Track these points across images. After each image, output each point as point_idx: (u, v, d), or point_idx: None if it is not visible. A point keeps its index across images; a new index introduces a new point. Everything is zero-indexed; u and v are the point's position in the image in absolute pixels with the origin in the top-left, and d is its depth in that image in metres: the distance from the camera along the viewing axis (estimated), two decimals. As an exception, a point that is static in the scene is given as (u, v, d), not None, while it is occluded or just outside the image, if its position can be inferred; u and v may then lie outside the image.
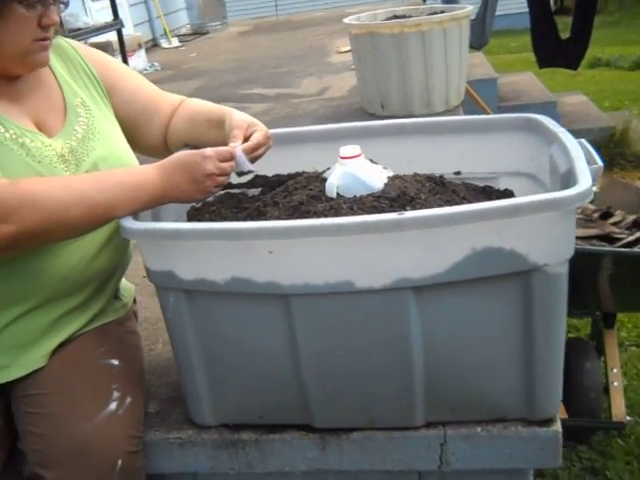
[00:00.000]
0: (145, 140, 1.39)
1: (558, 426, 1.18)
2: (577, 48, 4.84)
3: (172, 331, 1.18)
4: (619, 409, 2.22)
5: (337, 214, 1.14)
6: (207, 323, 1.14)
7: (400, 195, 1.17)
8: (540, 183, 1.38)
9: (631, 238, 2.31)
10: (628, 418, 2.22)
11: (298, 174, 1.47)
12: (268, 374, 1.16)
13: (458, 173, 1.48)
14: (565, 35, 4.96)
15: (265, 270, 1.05)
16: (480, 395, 1.15)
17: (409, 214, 0.98)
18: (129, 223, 1.09)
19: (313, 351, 1.11)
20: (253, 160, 1.26)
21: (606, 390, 2.26)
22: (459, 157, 1.48)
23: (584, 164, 1.07)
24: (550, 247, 1.02)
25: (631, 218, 2.44)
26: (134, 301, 1.49)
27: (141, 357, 1.37)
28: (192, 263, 1.08)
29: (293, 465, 1.25)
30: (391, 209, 1.15)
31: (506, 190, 1.43)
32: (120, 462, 1.13)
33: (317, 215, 1.16)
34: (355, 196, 1.19)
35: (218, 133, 1.32)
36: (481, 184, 1.44)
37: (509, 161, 1.44)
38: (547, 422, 1.18)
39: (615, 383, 2.26)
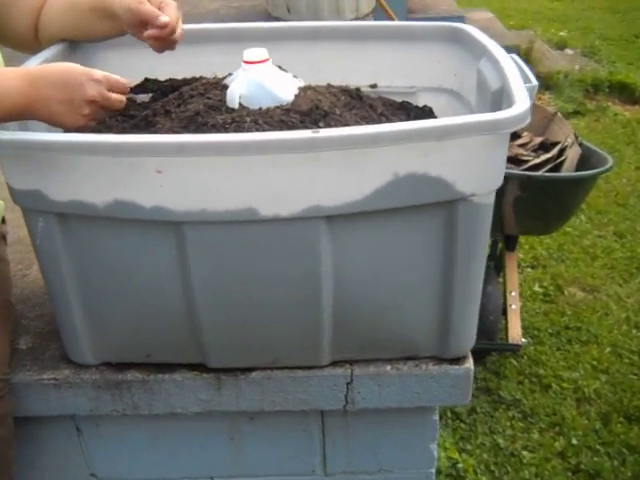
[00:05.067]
0: (9, 29, 1.15)
1: (470, 364, 1.11)
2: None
3: (43, 260, 1.00)
4: (516, 331, 2.24)
5: (239, 128, 0.98)
6: (84, 252, 0.97)
7: (312, 109, 1.02)
8: (464, 101, 1.26)
9: (537, 160, 2.27)
10: (523, 340, 2.24)
11: (195, 79, 1.29)
12: (156, 310, 1.02)
13: (374, 86, 1.34)
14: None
15: (153, 193, 0.89)
16: (392, 333, 1.06)
17: (326, 132, 0.84)
18: (-16, 131, 0.88)
19: (208, 287, 0.97)
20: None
21: (504, 312, 2.27)
22: (376, 68, 1.33)
23: (520, 82, 0.95)
24: (480, 175, 0.92)
25: (538, 140, 2.41)
26: (2, 221, 1.28)
27: (7, 287, 1.18)
28: (65, 182, 0.90)
29: (184, 407, 1.13)
30: (302, 125, 1.00)
31: (425, 107, 1.31)
32: (-24, 410, 0.97)
33: (216, 128, 0.99)
34: (261, 108, 1.03)
35: (108, 24, 1.11)
36: (398, 99, 1.30)
37: (430, 75, 1.31)
38: (459, 360, 1.11)
39: (513, 306, 2.27)
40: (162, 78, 1.32)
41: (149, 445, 1.23)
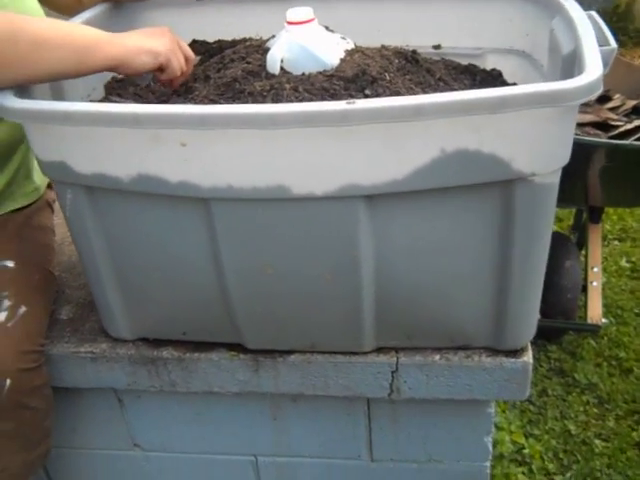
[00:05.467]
0: None
1: (529, 356, 1.01)
2: None
3: (74, 233, 0.97)
4: (595, 311, 2.09)
5: (277, 96, 0.91)
6: (113, 226, 0.93)
7: (359, 74, 0.93)
8: (536, 64, 1.13)
9: (629, 126, 2.08)
10: (604, 320, 2.09)
11: (245, 40, 1.22)
12: (189, 287, 0.97)
13: (438, 47, 1.23)
14: None
15: (178, 167, 0.83)
16: (440, 321, 0.97)
17: (360, 104, 0.74)
18: (9, 100, 0.84)
19: (239, 267, 0.91)
20: None
21: (584, 288, 2.12)
22: (440, 28, 1.22)
23: (594, 45, 0.83)
24: (541, 152, 0.80)
25: (631, 104, 2.20)
26: (49, 186, 1.26)
27: (49, 257, 1.16)
28: (89, 154, 0.85)
29: (222, 386, 1.09)
30: (346, 93, 0.91)
31: (493, 70, 1.19)
32: (9, 381, 0.95)
33: (253, 96, 0.92)
34: (303, 73, 0.95)
35: None
36: (464, 61, 1.19)
37: (500, 35, 1.19)
38: (516, 352, 1.01)
39: (594, 283, 2.11)
40: (210, 40, 1.26)
41: (191, 419, 1.20)
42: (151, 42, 0.93)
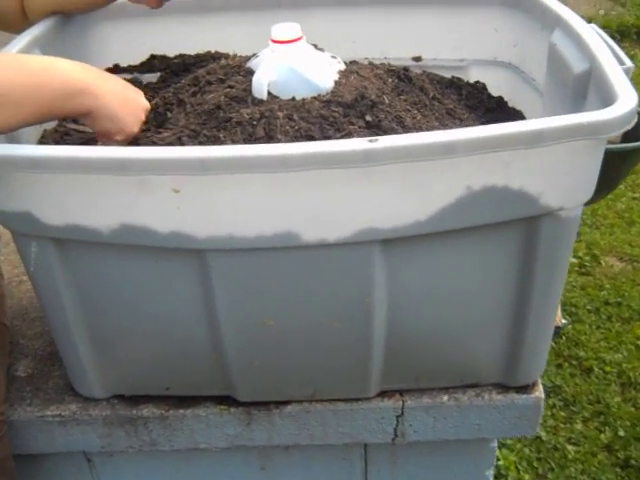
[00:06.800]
0: None
1: (540, 391, 0.96)
2: None
3: (39, 289, 0.84)
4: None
5: (270, 125, 0.81)
6: (88, 281, 0.81)
7: (357, 99, 0.85)
8: (525, 77, 1.08)
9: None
10: (563, 321, 2.09)
11: (210, 56, 1.11)
12: (175, 342, 0.86)
13: (418, 59, 1.16)
14: None
15: (169, 216, 0.72)
16: (453, 362, 0.90)
17: (384, 142, 0.66)
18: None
19: (237, 318, 0.81)
20: None
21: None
22: (420, 38, 1.15)
23: (617, 67, 0.77)
24: (570, 186, 0.74)
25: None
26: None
27: (1, 307, 1.03)
28: (60, 204, 0.73)
29: (209, 442, 0.98)
30: (346, 120, 0.82)
31: (477, 83, 1.13)
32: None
33: (241, 126, 0.82)
34: (294, 98, 0.86)
35: None
36: (446, 74, 1.12)
37: (484, 45, 1.13)
38: (527, 387, 0.96)
39: (552, 284, 2.11)
40: (170, 54, 1.14)
41: (171, 477, 1.09)
42: (126, 113, 0.81)
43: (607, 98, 0.73)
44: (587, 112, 0.68)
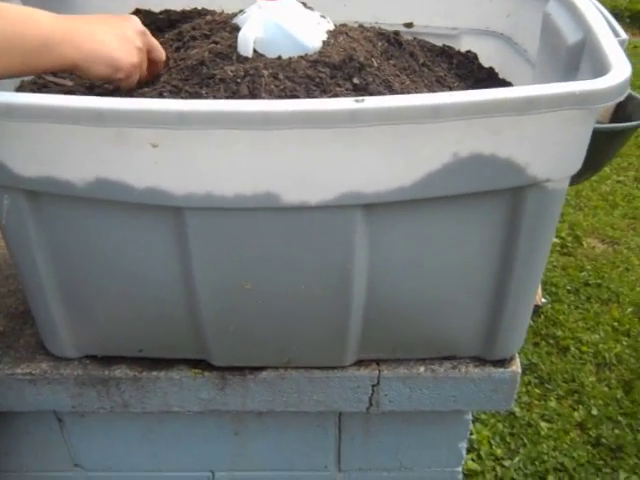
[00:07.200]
0: None
1: (517, 366, 0.95)
2: None
3: (10, 243, 0.81)
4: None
5: (254, 83, 0.79)
6: (61, 236, 0.79)
7: (345, 60, 0.82)
8: (517, 49, 1.06)
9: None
10: (543, 300, 2.09)
11: (197, 12, 1.08)
12: (150, 301, 0.84)
13: (410, 25, 1.13)
14: None
15: (146, 172, 0.70)
16: (431, 333, 0.89)
17: (371, 102, 0.64)
18: None
19: (213, 280, 0.79)
20: None
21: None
22: (412, 3, 1.12)
23: (612, 38, 0.75)
24: (558, 157, 0.73)
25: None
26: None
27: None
28: (34, 154, 0.71)
29: (182, 406, 0.97)
30: (333, 81, 0.80)
31: (469, 52, 1.10)
32: None
33: (224, 83, 0.79)
34: (280, 57, 0.83)
35: None
36: (438, 42, 1.10)
37: (477, 14, 1.10)
38: (504, 361, 0.95)
39: (533, 262, 2.11)
40: (156, 9, 1.11)
41: (142, 437, 1.08)
42: (115, 48, 0.76)
43: (600, 69, 0.71)
44: (579, 81, 0.66)
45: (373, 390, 0.96)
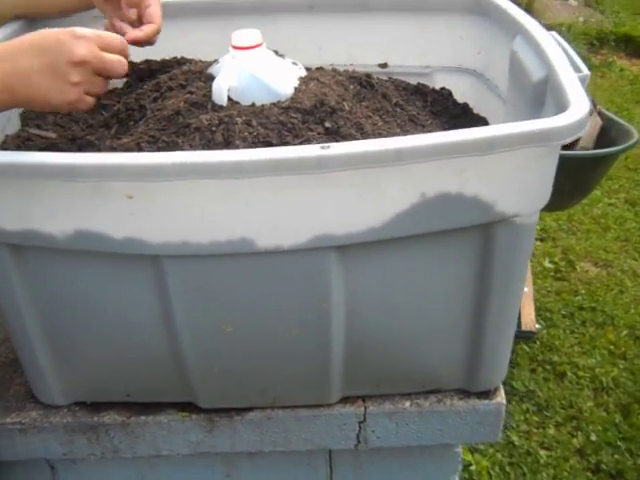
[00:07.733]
0: None
1: (502, 397, 0.96)
2: None
3: (-4, 295, 0.84)
4: (529, 317, 2.10)
5: (229, 131, 0.81)
6: (45, 287, 0.81)
7: (317, 105, 0.85)
8: (489, 85, 1.08)
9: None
10: (537, 326, 2.10)
11: (176, 61, 1.11)
12: (134, 348, 0.86)
13: (384, 66, 1.17)
14: None
15: (124, 222, 0.72)
16: (412, 368, 0.91)
17: (337, 148, 0.66)
18: None
19: (194, 325, 0.81)
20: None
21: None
22: (386, 44, 1.15)
23: (572, 75, 0.78)
24: (525, 193, 0.75)
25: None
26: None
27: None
28: (16, 209, 0.73)
29: (172, 449, 0.98)
30: (304, 126, 0.83)
31: (443, 89, 1.13)
32: None
33: (200, 132, 0.82)
34: (254, 104, 0.86)
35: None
36: (412, 80, 1.13)
37: (449, 53, 1.13)
38: (488, 393, 0.96)
39: (525, 289, 2.12)
40: (136, 59, 1.14)
41: (134, 483, 1.09)
42: (46, 91, 0.74)
43: (561, 105, 0.73)
44: (539, 119, 0.69)
45: (360, 427, 0.96)
